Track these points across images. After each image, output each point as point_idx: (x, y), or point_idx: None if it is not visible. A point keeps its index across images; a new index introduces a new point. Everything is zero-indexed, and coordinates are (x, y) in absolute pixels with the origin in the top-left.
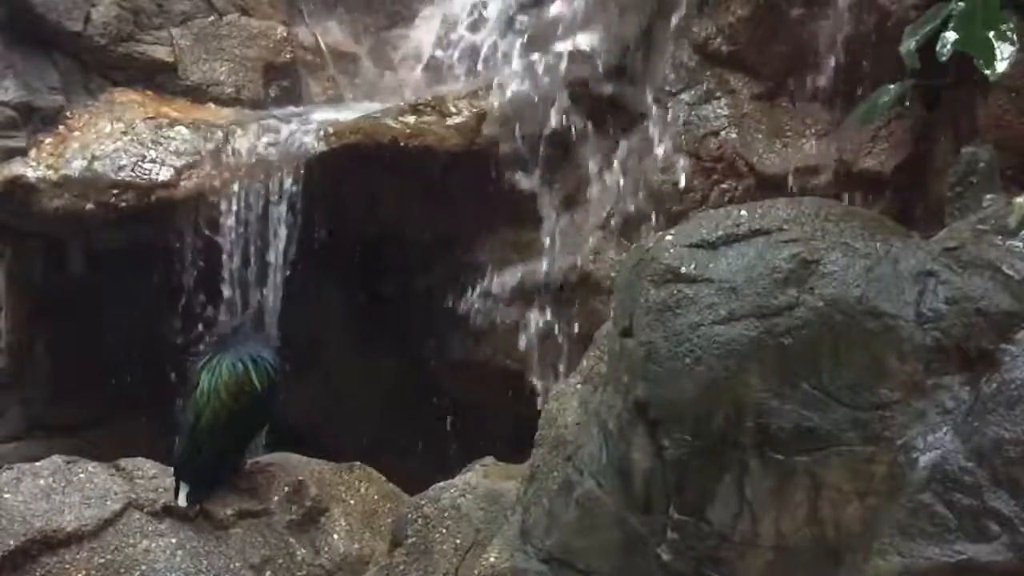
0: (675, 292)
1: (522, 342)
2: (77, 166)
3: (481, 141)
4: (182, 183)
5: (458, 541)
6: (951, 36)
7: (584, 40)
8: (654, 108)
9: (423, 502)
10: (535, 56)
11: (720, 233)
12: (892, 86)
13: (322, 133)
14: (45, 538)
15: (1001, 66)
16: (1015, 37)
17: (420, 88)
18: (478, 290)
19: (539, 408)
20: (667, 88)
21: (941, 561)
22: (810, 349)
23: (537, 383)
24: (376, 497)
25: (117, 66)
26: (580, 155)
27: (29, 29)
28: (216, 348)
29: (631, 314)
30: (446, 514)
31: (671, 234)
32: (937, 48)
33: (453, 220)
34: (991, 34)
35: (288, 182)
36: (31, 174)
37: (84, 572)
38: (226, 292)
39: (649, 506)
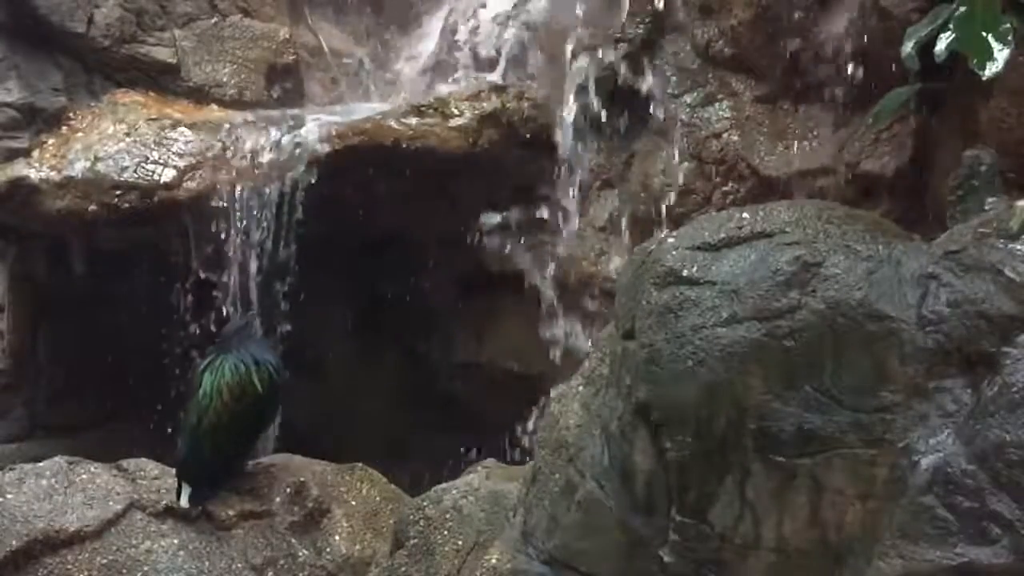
0: (677, 294)
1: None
2: (80, 167)
3: (483, 143)
4: (185, 184)
5: (460, 543)
6: (948, 37)
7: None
8: (656, 110)
9: (425, 503)
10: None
11: (722, 235)
12: (902, 89)
13: (325, 134)
14: (47, 538)
15: (994, 66)
16: (1011, 38)
17: (422, 90)
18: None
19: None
20: (669, 90)
21: (942, 564)
22: (812, 352)
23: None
24: (378, 498)
25: (120, 67)
26: (583, 157)
27: (32, 30)
28: (218, 349)
29: (633, 316)
30: (448, 515)
31: (673, 236)
32: (935, 49)
33: (455, 221)
34: (989, 35)
35: (290, 183)
36: (34, 175)
37: (86, 573)
38: (228, 293)
39: (651, 508)
